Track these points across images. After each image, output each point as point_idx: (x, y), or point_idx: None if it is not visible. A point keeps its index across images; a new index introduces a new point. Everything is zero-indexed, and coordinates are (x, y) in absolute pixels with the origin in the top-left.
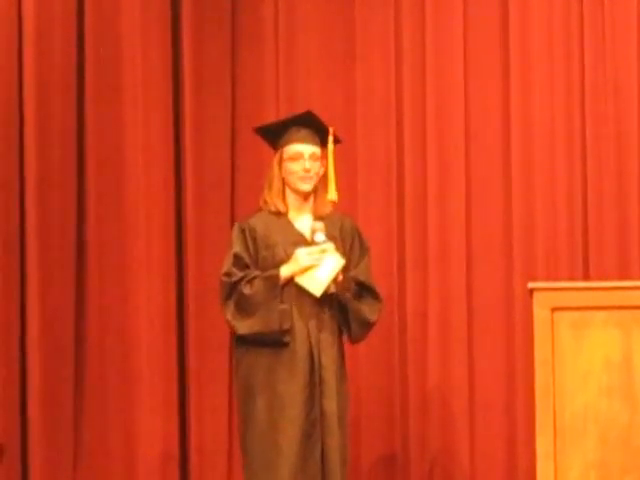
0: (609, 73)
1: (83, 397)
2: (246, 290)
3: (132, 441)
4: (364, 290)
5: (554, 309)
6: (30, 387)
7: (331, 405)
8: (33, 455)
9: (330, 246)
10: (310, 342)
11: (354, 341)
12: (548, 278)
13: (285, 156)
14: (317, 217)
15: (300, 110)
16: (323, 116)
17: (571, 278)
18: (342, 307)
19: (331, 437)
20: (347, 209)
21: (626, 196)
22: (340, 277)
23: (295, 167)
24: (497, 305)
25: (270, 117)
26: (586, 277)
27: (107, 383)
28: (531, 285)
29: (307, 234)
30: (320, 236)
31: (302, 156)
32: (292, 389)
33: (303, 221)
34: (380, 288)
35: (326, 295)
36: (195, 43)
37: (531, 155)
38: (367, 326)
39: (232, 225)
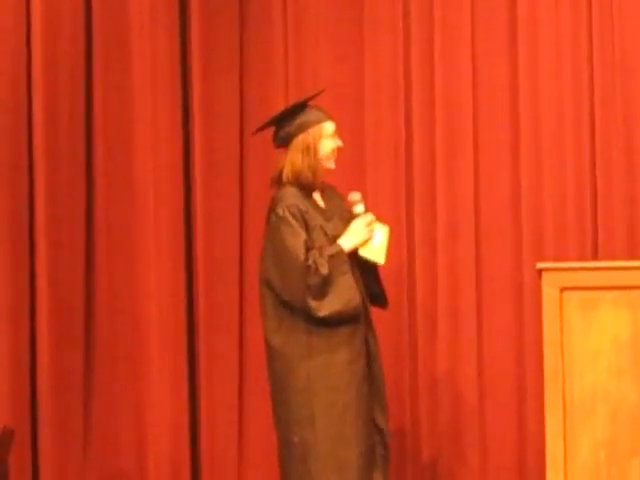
0: (617, 52)
1: (93, 379)
2: (323, 270)
3: (142, 420)
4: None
5: (563, 289)
6: (40, 371)
7: (380, 371)
8: (43, 438)
9: (372, 216)
10: (364, 328)
11: (387, 304)
12: (557, 258)
13: (324, 133)
14: (321, 191)
15: (308, 92)
16: (331, 99)
17: (580, 258)
18: (375, 274)
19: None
20: (356, 189)
21: (635, 176)
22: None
23: (332, 145)
24: (506, 285)
25: (278, 100)
26: (595, 257)
27: (117, 365)
28: (540, 265)
29: (350, 194)
30: (360, 207)
31: (334, 134)
32: (357, 365)
33: (317, 196)
34: (389, 269)
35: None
36: (203, 27)
37: (539, 135)
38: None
39: (241, 207)
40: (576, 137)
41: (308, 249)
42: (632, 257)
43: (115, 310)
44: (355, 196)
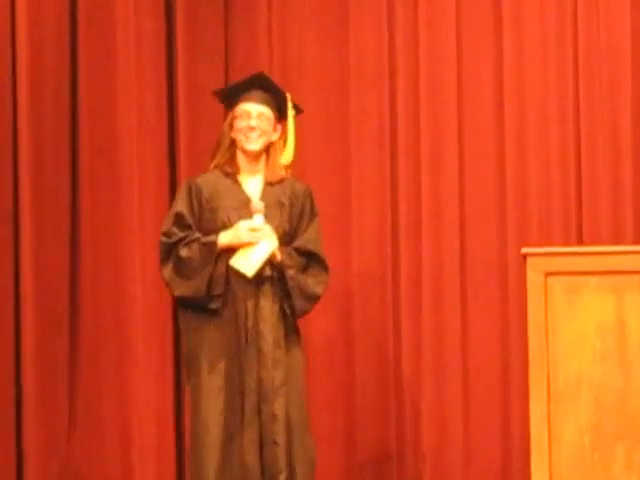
0: (602, 37)
1: (78, 365)
2: (183, 253)
3: (127, 405)
4: (311, 259)
5: (548, 274)
6: (24, 356)
7: (268, 373)
8: (27, 424)
9: (268, 228)
10: (246, 309)
11: (296, 315)
12: (541, 243)
13: (235, 114)
14: (268, 182)
15: (294, 77)
16: (316, 83)
17: (565, 243)
18: (284, 283)
19: (268, 405)
20: (340, 175)
21: (620, 161)
22: (278, 257)
23: (241, 124)
24: (491, 270)
25: None
26: (580, 242)
27: (102, 350)
28: (525, 250)
29: (254, 198)
30: (259, 218)
31: (249, 114)
32: (219, 358)
33: (253, 183)
34: (373, 255)
35: (263, 276)
36: (188, 11)
37: (524, 121)
38: (312, 299)
39: None
40: (561, 122)
41: (187, 225)
42: (617, 242)
43: (100, 295)
44: (257, 206)
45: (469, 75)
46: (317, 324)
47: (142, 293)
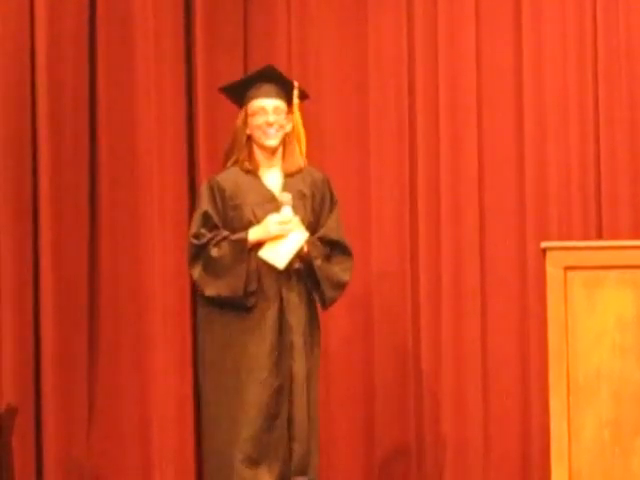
0: (622, 33)
1: (97, 361)
2: (214, 253)
3: (146, 402)
4: (335, 248)
5: (567, 268)
6: (44, 352)
7: (300, 368)
8: (47, 419)
9: (296, 220)
10: (279, 304)
11: (326, 304)
12: (561, 237)
13: (249, 112)
14: (286, 173)
15: (312, 73)
16: (335, 81)
17: (584, 237)
18: (311, 272)
19: (299, 398)
20: (359, 174)
21: (639, 155)
22: (305, 249)
23: (259, 121)
24: (510, 265)
25: None
26: (599, 236)
27: (121, 346)
28: (544, 244)
29: (276, 192)
30: (287, 209)
31: (265, 110)
32: (261, 351)
33: (273, 177)
34: (393, 252)
35: (291, 268)
36: (208, 6)
37: (544, 115)
38: (341, 287)
39: None
40: (580, 117)
41: (214, 225)
42: (636, 236)
43: (119, 292)
44: (284, 197)
45: (489, 72)
46: (337, 323)
47: (161, 289)
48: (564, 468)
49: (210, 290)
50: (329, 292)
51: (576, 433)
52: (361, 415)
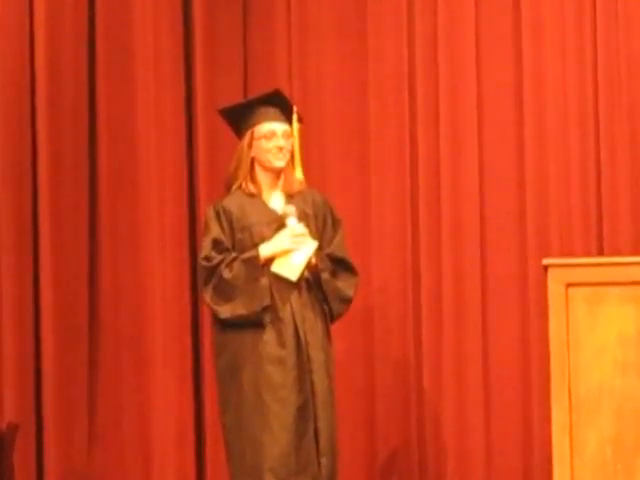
0: (622, 44)
1: (97, 376)
2: (226, 274)
3: (147, 416)
4: (339, 266)
5: (569, 285)
6: (44, 367)
7: (321, 382)
8: (48, 435)
9: (304, 230)
10: (295, 320)
11: (334, 318)
12: (562, 254)
13: (257, 135)
14: (288, 194)
15: (313, 91)
16: (335, 97)
17: (585, 253)
18: (319, 286)
19: (324, 413)
20: (359, 187)
21: None
22: (314, 260)
23: (268, 145)
24: (511, 282)
25: None
26: (600, 253)
27: (121, 360)
28: (546, 261)
29: (280, 211)
30: (293, 220)
31: (275, 134)
32: (281, 370)
33: (276, 199)
34: (394, 266)
35: (301, 278)
36: (207, 22)
37: (544, 130)
38: (346, 302)
39: None
40: (581, 133)
41: (225, 249)
42: (637, 252)
43: (120, 308)
44: (288, 209)
45: (488, 86)
46: (338, 338)
47: (161, 303)
48: None
49: (224, 312)
50: (336, 306)
51: (578, 449)
52: (363, 430)
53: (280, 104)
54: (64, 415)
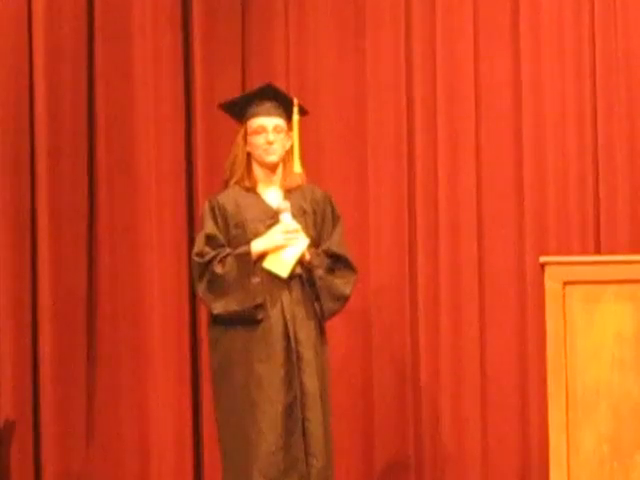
0: (620, 43)
1: (95, 373)
2: (218, 269)
3: (145, 413)
4: (338, 262)
5: (566, 283)
6: (42, 363)
7: (311, 381)
8: (46, 432)
9: (297, 226)
10: (285, 318)
11: (325, 315)
12: (559, 252)
13: (249, 130)
14: (286, 190)
15: (311, 89)
16: (333, 96)
17: (582, 251)
18: (312, 283)
19: (313, 413)
20: (357, 187)
21: (638, 170)
22: (307, 256)
23: (259, 140)
24: (509, 280)
25: None
26: (597, 251)
27: (119, 357)
28: (543, 259)
29: (277, 203)
30: (287, 216)
31: (265, 129)
32: (269, 368)
33: (272, 194)
34: (391, 264)
35: (293, 275)
36: (205, 16)
37: (542, 128)
38: (341, 300)
39: None
40: (578, 131)
41: (219, 244)
42: (634, 251)
43: (118, 306)
44: (283, 205)
45: (486, 87)
46: (335, 337)
47: (160, 302)
48: None
49: (217, 308)
50: (328, 303)
51: (575, 448)
52: (360, 429)
53: (275, 98)
54: (62, 413)
